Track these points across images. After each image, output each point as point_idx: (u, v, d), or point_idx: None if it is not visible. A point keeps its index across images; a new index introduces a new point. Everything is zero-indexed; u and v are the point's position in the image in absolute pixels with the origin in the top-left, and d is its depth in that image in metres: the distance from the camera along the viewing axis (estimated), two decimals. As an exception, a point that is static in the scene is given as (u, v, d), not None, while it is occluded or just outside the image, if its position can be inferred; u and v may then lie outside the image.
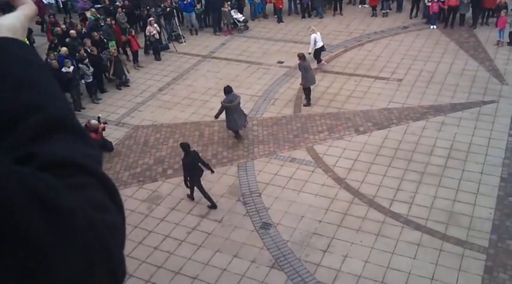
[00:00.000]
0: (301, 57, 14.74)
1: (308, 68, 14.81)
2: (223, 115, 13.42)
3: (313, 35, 16.64)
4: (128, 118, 15.49)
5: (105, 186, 0.81)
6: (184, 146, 11.29)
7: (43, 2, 21.78)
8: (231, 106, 13.09)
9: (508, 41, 17.59)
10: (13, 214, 0.63)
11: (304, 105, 15.12)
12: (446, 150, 12.77)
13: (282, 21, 21.32)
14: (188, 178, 11.24)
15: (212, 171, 11.62)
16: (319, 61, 17.10)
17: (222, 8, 20.10)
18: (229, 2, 20.46)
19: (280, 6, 21.21)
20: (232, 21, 20.64)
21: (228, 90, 13.33)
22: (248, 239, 10.63)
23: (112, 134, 14.31)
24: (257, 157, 13.13)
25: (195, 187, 11.39)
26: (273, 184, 12.12)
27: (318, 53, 16.95)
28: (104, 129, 13.71)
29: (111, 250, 0.75)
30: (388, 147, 13.04)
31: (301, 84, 15.01)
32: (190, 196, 11.72)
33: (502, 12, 17.63)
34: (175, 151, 13.59)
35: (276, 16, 21.49)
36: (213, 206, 11.47)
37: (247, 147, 13.57)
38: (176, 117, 15.26)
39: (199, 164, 11.26)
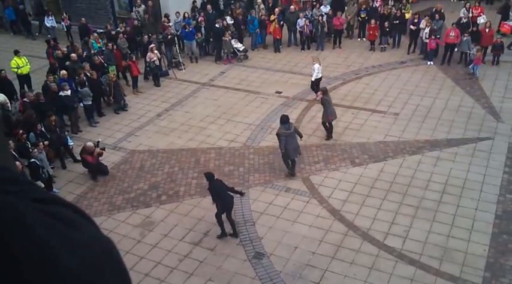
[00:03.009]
0: (324, 91, 14.68)
1: (330, 102, 14.69)
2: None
3: (316, 65, 16.97)
4: (125, 142, 15.49)
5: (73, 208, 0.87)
6: (208, 175, 11.24)
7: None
8: (286, 133, 12.68)
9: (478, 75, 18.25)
10: None
11: (326, 139, 14.91)
12: (441, 185, 12.78)
13: (279, 51, 21.59)
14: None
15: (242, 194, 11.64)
16: (317, 92, 17.21)
17: (223, 37, 20.36)
18: (230, 32, 20.76)
19: (278, 37, 21.52)
20: (232, 50, 20.89)
21: (284, 119, 12.84)
22: (240, 269, 10.52)
23: (108, 158, 14.28)
24: (252, 186, 13.10)
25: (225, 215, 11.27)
26: (267, 214, 12.06)
27: (317, 83, 17.16)
28: (100, 154, 13.70)
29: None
30: (383, 180, 13.05)
31: (323, 121, 14.82)
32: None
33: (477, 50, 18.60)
34: (171, 177, 13.56)
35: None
36: (223, 234, 11.38)
37: (242, 175, 13.55)
38: (173, 143, 15.27)
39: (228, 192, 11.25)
